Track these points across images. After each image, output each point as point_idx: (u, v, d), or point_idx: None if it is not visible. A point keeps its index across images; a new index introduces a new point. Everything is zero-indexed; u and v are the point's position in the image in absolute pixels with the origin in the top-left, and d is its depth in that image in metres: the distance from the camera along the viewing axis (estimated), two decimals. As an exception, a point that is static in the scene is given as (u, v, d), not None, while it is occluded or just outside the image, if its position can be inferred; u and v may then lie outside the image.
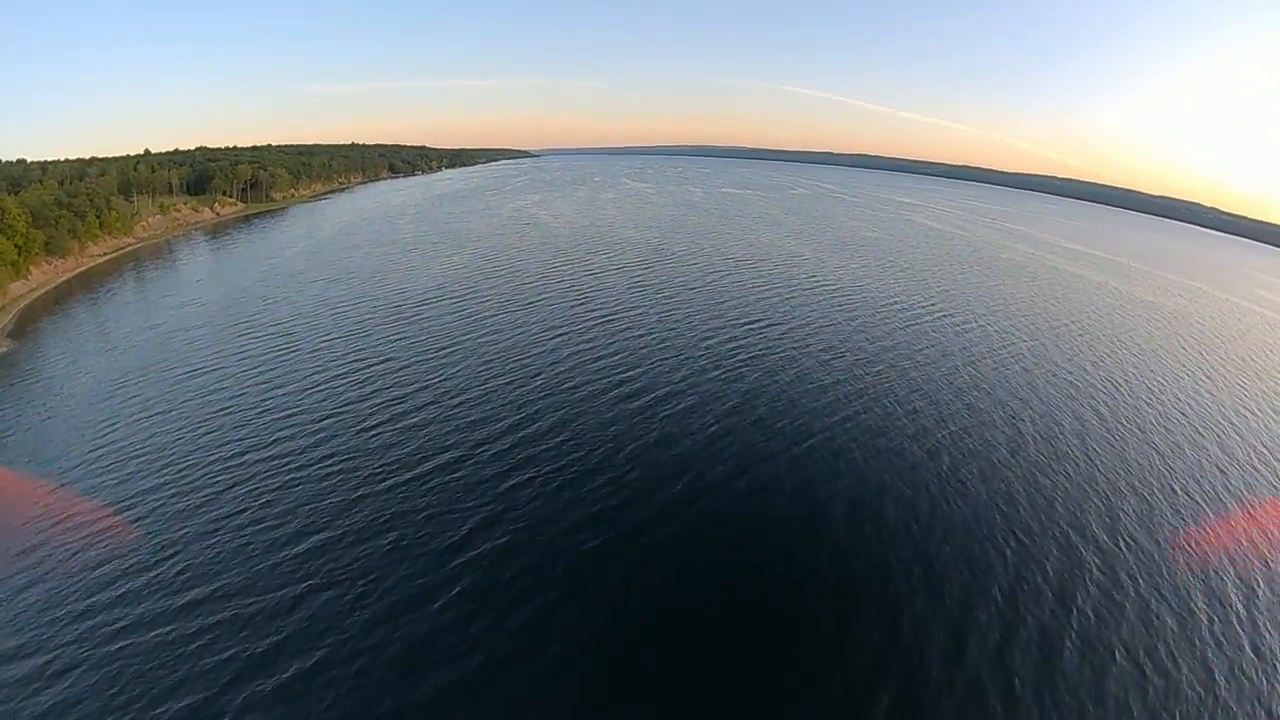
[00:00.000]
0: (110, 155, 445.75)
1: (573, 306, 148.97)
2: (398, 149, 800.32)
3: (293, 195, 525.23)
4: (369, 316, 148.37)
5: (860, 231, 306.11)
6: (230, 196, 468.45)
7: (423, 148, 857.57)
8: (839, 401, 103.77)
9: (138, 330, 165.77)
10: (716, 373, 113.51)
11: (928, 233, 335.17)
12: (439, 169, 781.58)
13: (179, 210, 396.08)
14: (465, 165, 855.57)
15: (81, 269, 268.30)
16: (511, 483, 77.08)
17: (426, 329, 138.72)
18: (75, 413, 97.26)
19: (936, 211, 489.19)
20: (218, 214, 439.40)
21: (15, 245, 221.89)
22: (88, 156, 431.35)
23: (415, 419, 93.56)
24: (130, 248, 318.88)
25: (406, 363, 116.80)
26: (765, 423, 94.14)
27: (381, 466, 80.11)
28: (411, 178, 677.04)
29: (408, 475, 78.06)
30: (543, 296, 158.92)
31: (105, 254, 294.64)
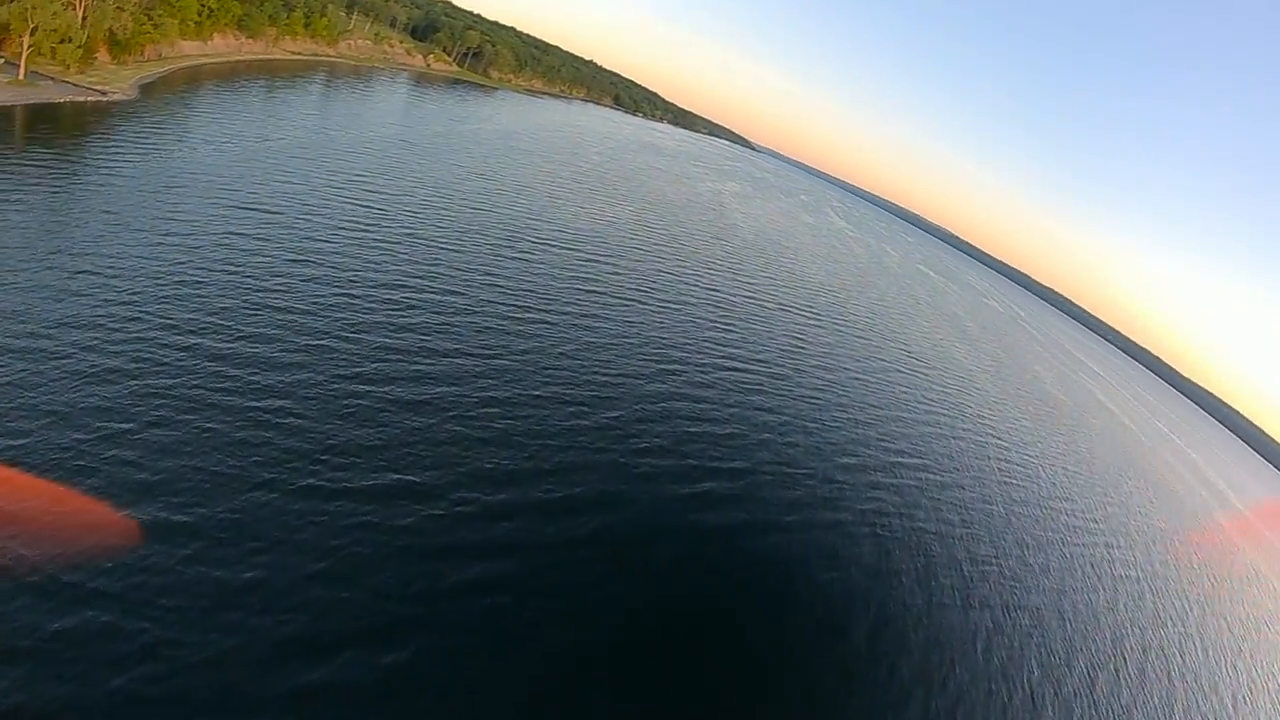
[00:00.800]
0: None
1: (702, 326, 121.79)
2: (630, 84, 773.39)
3: (509, 81, 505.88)
4: (488, 235, 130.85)
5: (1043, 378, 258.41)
6: (449, 55, 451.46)
7: (653, 94, 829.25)
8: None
9: (256, 137, 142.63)
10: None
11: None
12: (660, 120, 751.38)
13: (392, 46, 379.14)
14: (686, 128, 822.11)
15: (267, 56, 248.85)
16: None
17: (547, 275, 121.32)
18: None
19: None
20: (429, 65, 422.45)
21: (206, 6, 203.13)
22: None
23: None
24: (327, 58, 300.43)
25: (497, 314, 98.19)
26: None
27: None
28: (631, 116, 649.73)
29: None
30: (683, 299, 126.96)
31: (298, 54, 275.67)
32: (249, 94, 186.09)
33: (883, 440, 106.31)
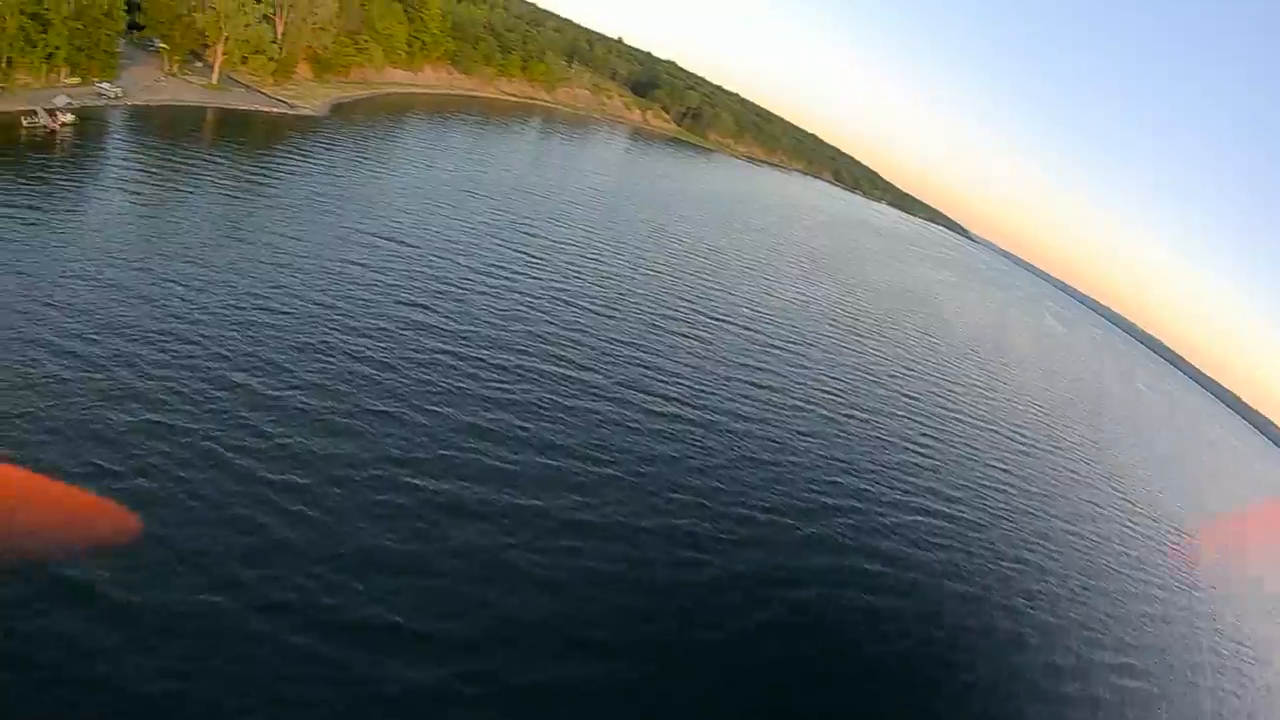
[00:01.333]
0: (571, 19, 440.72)
1: (896, 447, 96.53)
2: (849, 160, 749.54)
3: (727, 145, 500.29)
4: (665, 302, 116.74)
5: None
6: (667, 113, 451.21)
7: (873, 172, 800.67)
8: None
9: (451, 170, 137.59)
10: None
11: None
12: (879, 200, 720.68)
13: (610, 98, 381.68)
14: (903, 210, 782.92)
15: (480, 94, 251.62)
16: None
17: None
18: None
19: None
20: (646, 121, 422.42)
21: (418, 38, 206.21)
22: (549, 9, 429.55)
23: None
24: (543, 103, 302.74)
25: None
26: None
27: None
28: (849, 193, 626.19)
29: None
30: (876, 408, 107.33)
31: (513, 95, 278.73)
32: (456, 127, 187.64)
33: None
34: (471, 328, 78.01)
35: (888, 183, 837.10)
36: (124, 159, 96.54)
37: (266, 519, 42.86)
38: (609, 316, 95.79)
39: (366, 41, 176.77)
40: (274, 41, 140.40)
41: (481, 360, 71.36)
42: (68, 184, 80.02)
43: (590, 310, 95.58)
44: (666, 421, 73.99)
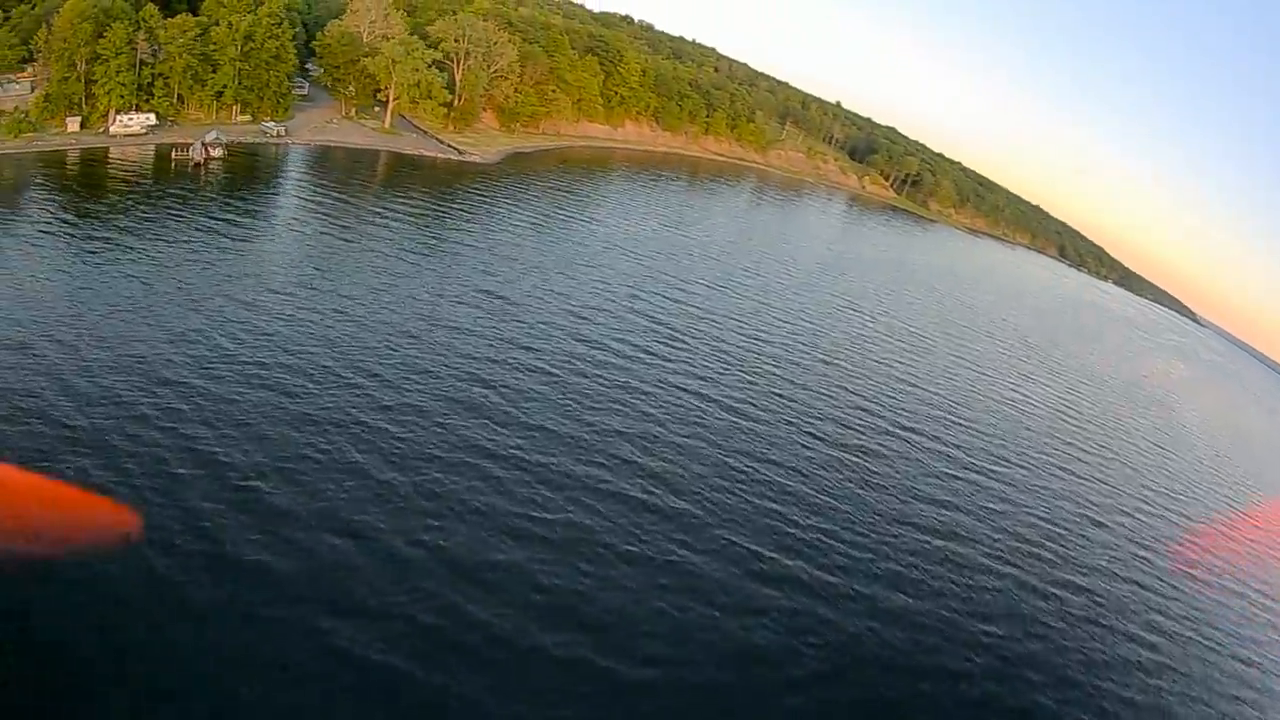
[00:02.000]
0: (788, 81, 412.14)
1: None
2: (1075, 234, 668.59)
3: (948, 215, 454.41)
4: (856, 385, 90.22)
5: None
6: (885, 180, 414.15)
7: (1099, 248, 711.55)
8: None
9: (623, 235, 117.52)
10: None
11: None
12: (1105, 279, 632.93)
13: (825, 162, 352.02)
14: (1129, 290, 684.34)
15: (684, 152, 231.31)
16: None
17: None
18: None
19: None
20: (863, 187, 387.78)
21: (617, 92, 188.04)
22: (762, 70, 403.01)
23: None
24: (754, 165, 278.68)
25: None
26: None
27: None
28: (1074, 270, 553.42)
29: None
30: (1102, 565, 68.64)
31: (720, 155, 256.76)
32: (656, 185, 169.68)
33: None
34: (642, 398, 65.39)
35: (1114, 260, 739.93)
36: (256, 193, 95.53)
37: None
38: (753, 420, 67.55)
39: (554, 92, 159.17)
40: (447, 87, 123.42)
41: (625, 445, 56.76)
42: (188, 214, 78.39)
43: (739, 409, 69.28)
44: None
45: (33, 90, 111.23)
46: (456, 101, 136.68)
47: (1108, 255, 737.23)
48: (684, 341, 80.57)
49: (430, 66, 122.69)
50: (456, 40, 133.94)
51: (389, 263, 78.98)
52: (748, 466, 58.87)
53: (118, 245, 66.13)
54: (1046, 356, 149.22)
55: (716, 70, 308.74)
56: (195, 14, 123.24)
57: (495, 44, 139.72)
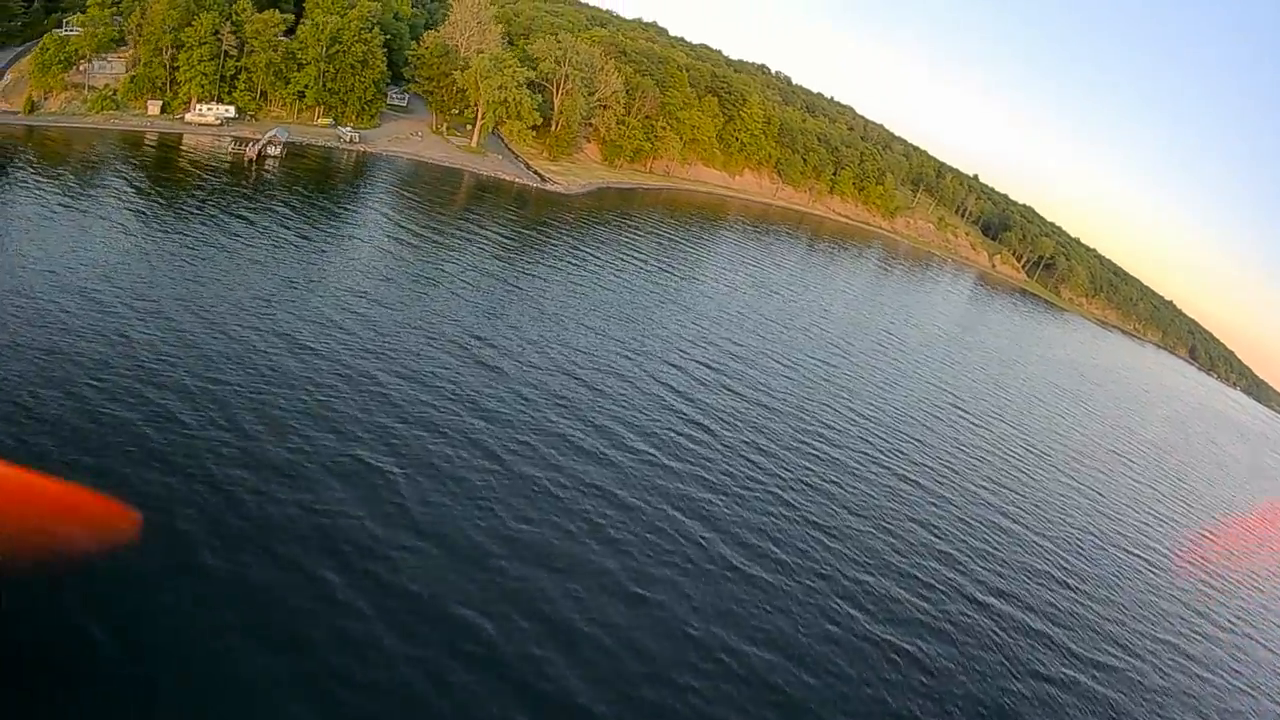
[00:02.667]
0: (915, 141, 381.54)
1: None
2: (1207, 336, 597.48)
3: (1079, 304, 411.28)
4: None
5: None
6: (1017, 260, 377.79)
7: (1229, 352, 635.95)
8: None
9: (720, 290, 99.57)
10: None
11: None
12: (1233, 385, 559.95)
13: (956, 235, 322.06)
14: (1259, 401, 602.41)
15: (809, 209, 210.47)
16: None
17: None
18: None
19: None
20: (994, 267, 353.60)
21: (736, 138, 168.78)
22: (898, 133, 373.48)
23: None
24: (880, 231, 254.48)
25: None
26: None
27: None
28: (1204, 375, 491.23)
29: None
30: None
31: (845, 217, 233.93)
32: (770, 241, 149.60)
33: None
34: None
35: (1244, 365, 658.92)
36: (297, 195, 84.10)
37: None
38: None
39: (664, 129, 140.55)
40: (540, 110, 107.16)
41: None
42: (220, 206, 71.60)
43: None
44: None
45: (126, 71, 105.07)
46: (553, 127, 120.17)
47: (1237, 360, 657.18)
48: (757, 432, 60.71)
49: (521, 86, 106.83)
50: (556, 62, 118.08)
51: (377, 283, 64.90)
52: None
53: (119, 225, 60.80)
54: (1180, 483, 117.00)
55: (850, 129, 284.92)
56: (299, 13, 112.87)
57: (599, 70, 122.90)
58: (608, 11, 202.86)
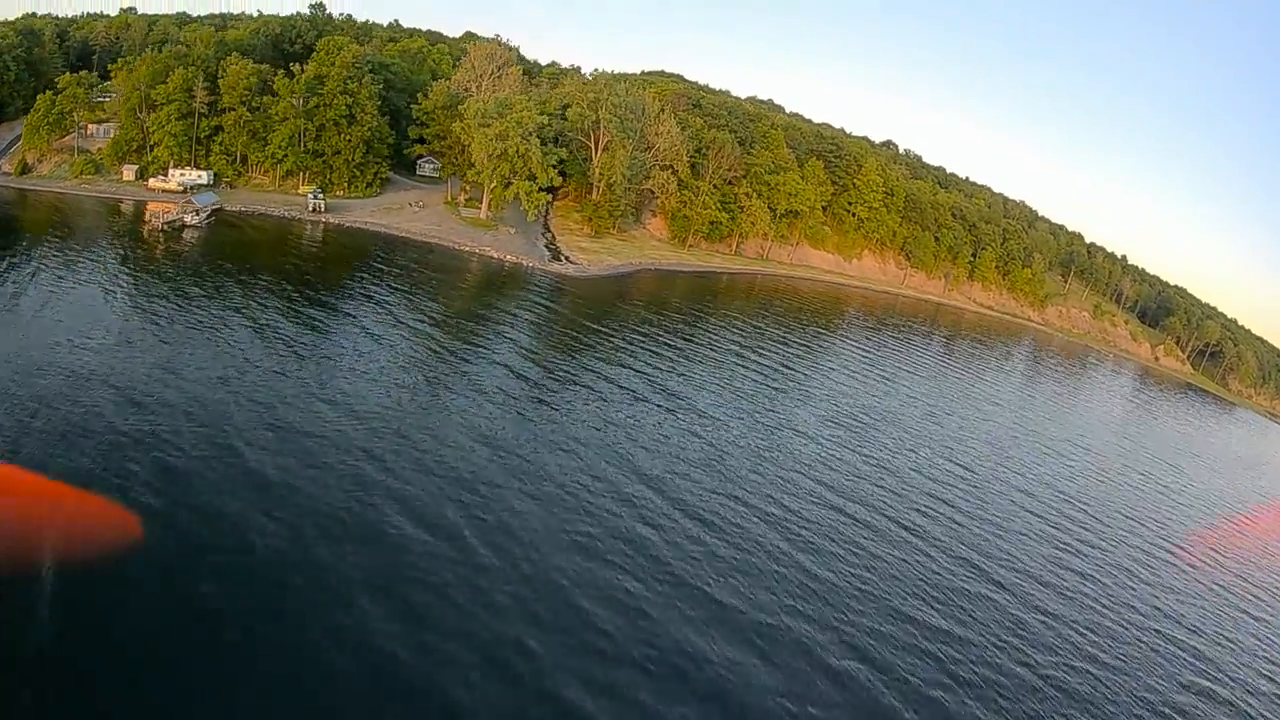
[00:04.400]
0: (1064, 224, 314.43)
1: None
2: None
3: (1248, 397, 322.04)
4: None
5: None
6: (1180, 349, 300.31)
7: None
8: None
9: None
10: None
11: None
12: None
13: (1114, 324, 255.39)
14: None
15: (946, 301, 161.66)
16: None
17: None
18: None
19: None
20: (1156, 359, 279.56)
21: (852, 211, 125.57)
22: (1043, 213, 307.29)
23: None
24: (1029, 322, 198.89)
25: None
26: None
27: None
28: None
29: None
30: None
31: (989, 308, 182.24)
32: (881, 336, 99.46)
33: None
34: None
35: None
36: (181, 268, 58.94)
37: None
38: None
39: (748, 198, 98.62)
40: (558, 166, 71.09)
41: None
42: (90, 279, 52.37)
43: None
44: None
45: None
46: (593, 193, 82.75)
47: None
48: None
49: (530, 135, 70.36)
50: (590, 106, 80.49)
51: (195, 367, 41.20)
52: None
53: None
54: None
55: (989, 206, 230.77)
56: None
57: (651, 118, 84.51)
58: (706, 86, 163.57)
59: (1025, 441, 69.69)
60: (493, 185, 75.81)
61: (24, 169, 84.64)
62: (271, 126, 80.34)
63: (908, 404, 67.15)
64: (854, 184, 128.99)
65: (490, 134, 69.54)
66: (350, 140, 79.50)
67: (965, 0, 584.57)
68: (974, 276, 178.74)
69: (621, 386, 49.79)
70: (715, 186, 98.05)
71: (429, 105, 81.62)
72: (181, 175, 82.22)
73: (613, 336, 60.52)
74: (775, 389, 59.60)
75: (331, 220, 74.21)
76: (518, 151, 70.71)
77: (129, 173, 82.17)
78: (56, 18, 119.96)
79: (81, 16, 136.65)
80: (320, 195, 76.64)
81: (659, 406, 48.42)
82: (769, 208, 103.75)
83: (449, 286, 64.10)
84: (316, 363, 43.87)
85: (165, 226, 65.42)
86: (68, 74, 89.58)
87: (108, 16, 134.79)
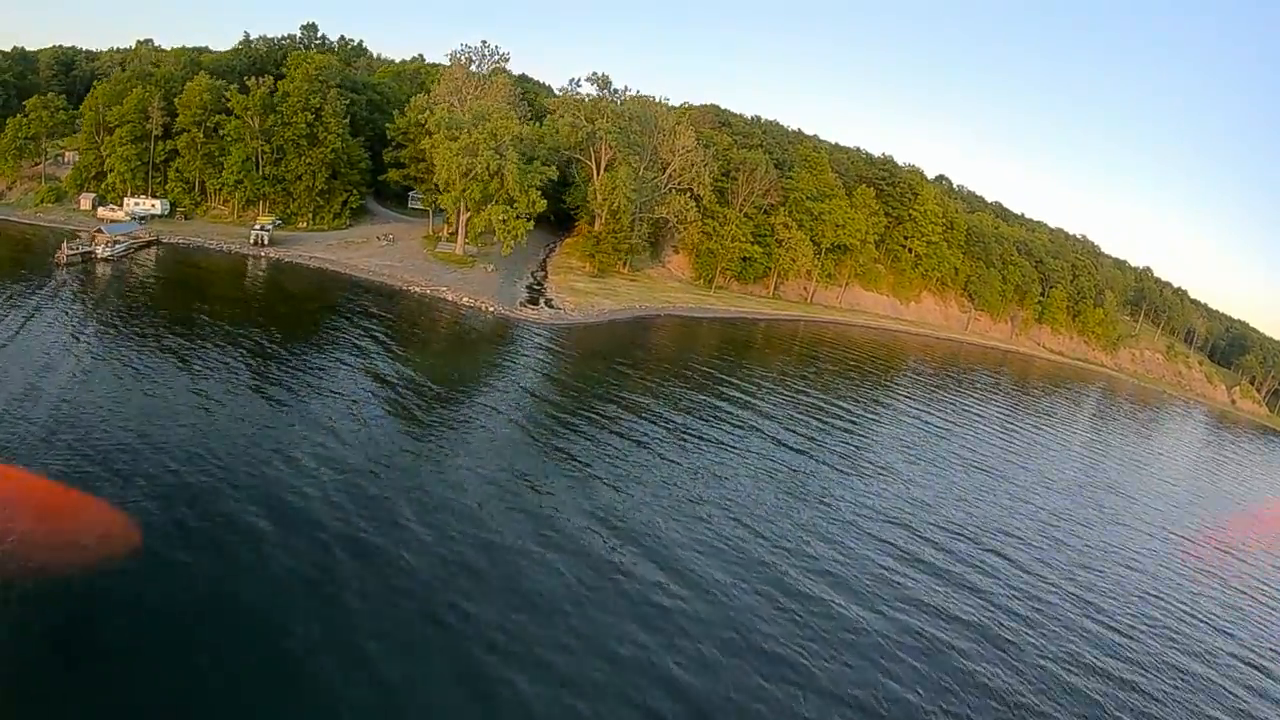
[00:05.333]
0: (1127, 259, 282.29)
1: None
2: None
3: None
4: None
5: None
6: (1257, 390, 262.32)
7: None
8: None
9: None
10: None
11: None
12: None
13: (1188, 367, 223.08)
14: None
15: (1010, 347, 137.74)
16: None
17: None
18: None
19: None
20: (1232, 402, 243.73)
21: (908, 246, 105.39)
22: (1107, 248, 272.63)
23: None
24: (1099, 368, 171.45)
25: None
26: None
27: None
28: None
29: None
30: None
31: (1060, 354, 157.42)
32: (949, 395, 76.38)
33: None
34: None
35: None
36: (64, 305, 44.92)
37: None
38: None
39: (787, 229, 78.54)
40: (557, 195, 53.56)
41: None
42: None
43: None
44: None
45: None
46: (594, 223, 64.89)
47: None
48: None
49: (504, 148, 52.80)
50: (588, 118, 62.52)
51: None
52: None
53: None
54: None
55: (1052, 240, 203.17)
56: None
57: (665, 132, 66.13)
58: (773, 122, 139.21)
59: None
60: (464, 212, 58.73)
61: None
62: (226, 149, 66.07)
63: (1013, 512, 45.92)
64: (910, 215, 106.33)
65: (456, 148, 52.98)
66: (311, 164, 63.49)
67: (1012, 43, 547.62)
68: (1044, 318, 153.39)
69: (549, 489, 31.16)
70: (747, 215, 77.81)
71: (403, 123, 65.00)
72: (135, 204, 68.86)
73: (583, 401, 41.58)
74: (823, 486, 39.50)
75: (274, 255, 58.17)
76: (488, 168, 53.32)
77: (86, 201, 70.91)
78: (62, 48, 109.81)
79: (105, 51, 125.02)
80: (268, 227, 60.94)
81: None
82: (812, 241, 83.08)
83: (365, 334, 46.23)
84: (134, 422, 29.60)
85: (69, 260, 53.03)
86: (35, 97, 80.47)
87: (124, 50, 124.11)
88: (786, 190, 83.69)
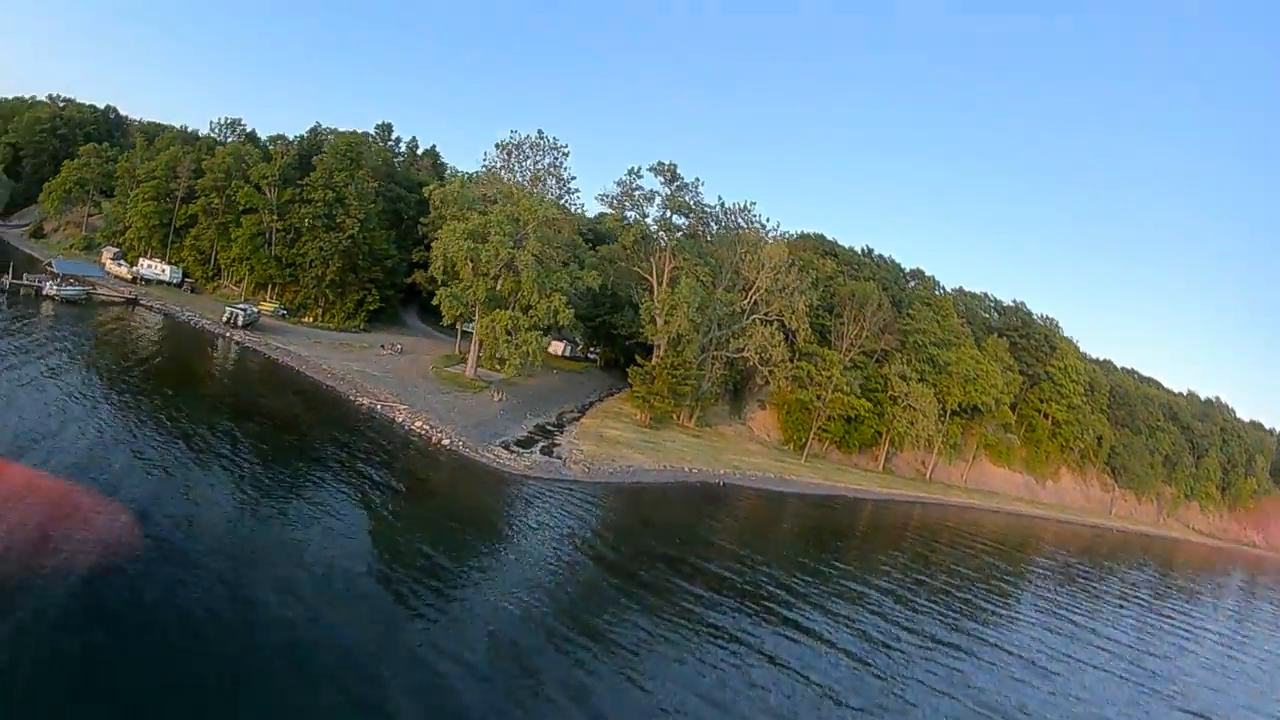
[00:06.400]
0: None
1: None
2: None
3: None
4: None
5: None
6: None
7: None
8: None
9: None
10: None
11: None
12: None
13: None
14: None
15: (1155, 531, 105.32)
16: None
17: None
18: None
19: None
20: None
21: (1050, 415, 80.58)
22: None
23: None
24: (1249, 548, 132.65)
25: None
26: None
27: None
28: None
29: None
30: None
31: (1210, 537, 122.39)
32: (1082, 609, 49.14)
33: None
34: None
35: None
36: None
37: None
38: None
39: (904, 381, 56.31)
40: (570, 307, 35.50)
41: None
42: None
43: None
44: None
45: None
46: (653, 355, 46.18)
47: None
48: None
49: (526, 240, 35.42)
50: (639, 208, 45.43)
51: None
52: None
53: None
54: None
55: (1187, 402, 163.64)
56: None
57: (751, 245, 47.46)
58: (888, 258, 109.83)
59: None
60: (455, 312, 41.26)
61: (36, 233, 76.60)
62: (239, 220, 53.39)
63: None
64: (1046, 373, 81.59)
65: (460, 231, 37.26)
66: (325, 250, 49.80)
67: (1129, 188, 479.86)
68: (1194, 494, 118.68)
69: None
70: (854, 363, 56.78)
71: (435, 215, 48.80)
72: (148, 266, 58.62)
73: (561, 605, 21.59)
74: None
75: (239, 338, 42.87)
76: (497, 256, 36.99)
77: (108, 254, 63.12)
78: (157, 124, 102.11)
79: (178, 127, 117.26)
80: (250, 310, 46.39)
81: None
82: (936, 394, 60.44)
83: (225, 436, 28.25)
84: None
85: (11, 286, 45.27)
86: (90, 144, 79.07)
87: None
88: (904, 333, 62.21)
